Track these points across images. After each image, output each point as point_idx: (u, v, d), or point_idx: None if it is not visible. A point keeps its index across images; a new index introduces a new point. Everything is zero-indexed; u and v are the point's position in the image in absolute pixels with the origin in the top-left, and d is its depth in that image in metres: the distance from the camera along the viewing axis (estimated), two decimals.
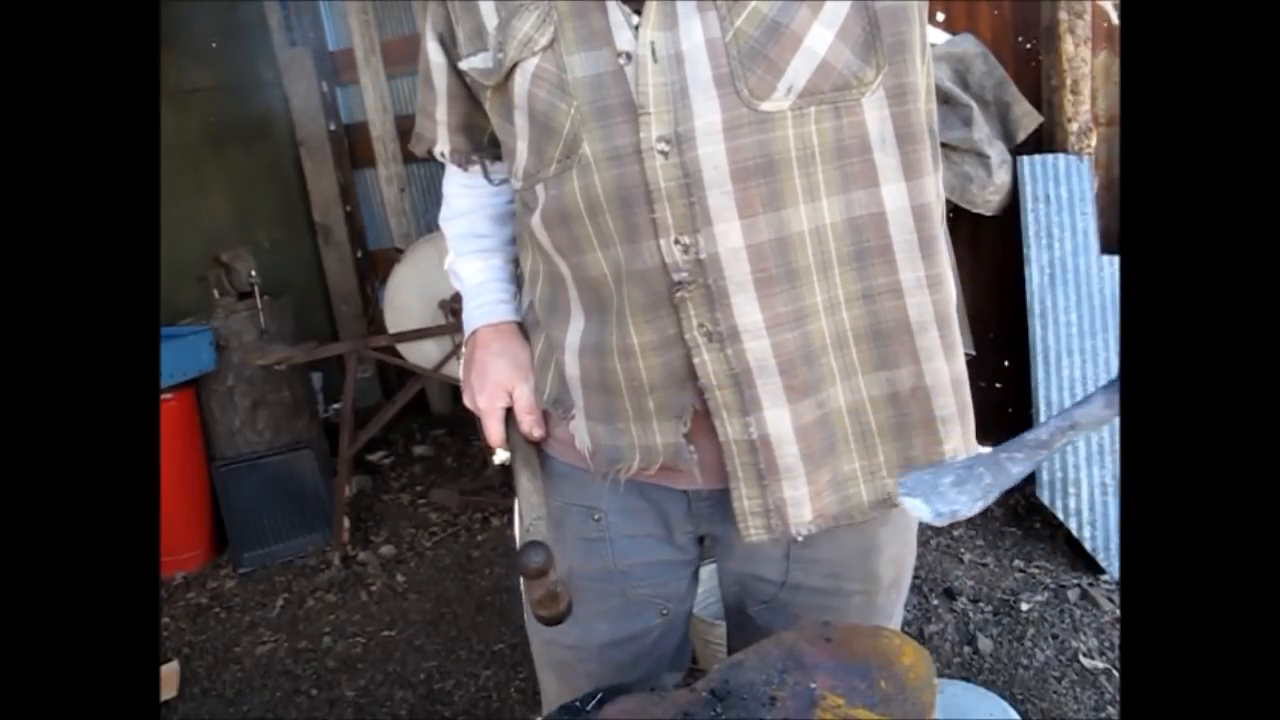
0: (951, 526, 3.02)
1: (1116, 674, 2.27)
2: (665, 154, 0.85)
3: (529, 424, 1.08)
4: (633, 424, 0.96)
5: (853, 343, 0.92)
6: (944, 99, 3.00)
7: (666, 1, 0.85)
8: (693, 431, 0.94)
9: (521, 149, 0.97)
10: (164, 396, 3.02)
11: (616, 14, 0.87)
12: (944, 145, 2.97)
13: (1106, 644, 2.38)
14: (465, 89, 1.05)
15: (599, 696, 1.00)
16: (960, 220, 3.11)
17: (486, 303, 1.15)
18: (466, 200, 1.18)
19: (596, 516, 1.06)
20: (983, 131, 2.93)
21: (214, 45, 4.20)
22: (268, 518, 3.26)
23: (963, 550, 2.88)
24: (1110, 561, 2.64)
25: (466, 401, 1.13)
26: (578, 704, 1.01)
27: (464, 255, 1.19)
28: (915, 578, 2.74)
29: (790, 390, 0.90)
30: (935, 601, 2.63)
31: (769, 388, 0.90)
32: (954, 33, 3.16)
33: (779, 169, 0.86)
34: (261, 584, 3.04)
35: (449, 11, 1.01)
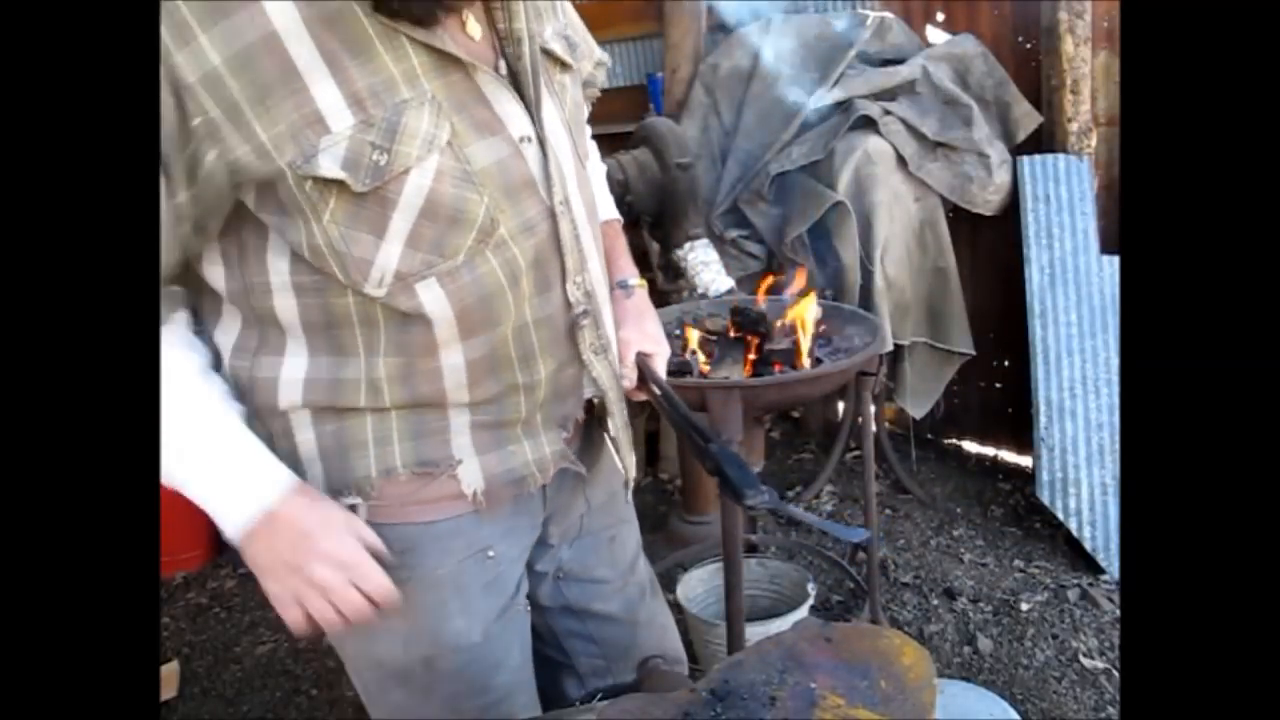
0: (952, 526, 3.02)
1: (1116, 674, 2.27)
2: (563, 213, 1.01)
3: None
4: (525, 442, 1.06)
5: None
6: (944, 99, 3.00)
7: (533, 88, 0.99)
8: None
9: (392, 252, 0.90)
10: None
11: (509, 103, 0.95)
12: (944, 145, 2.98)
13: (1106, 644, 2.38)
14: (197, 206, 0.87)
15: (599, 696, 1.00)
16: (960, 220, 3.11)
17: (257, 465, 0.95)
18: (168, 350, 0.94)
19: (491, 554, 1.07)
20: (983, 131, 2.93)
21: None
22: None
23: (963, 550, 2.88)
24: (1110, 561, 2.64)
25: (310, 599, 0.97)
26: (577, 704, 1.01)
27: (209, 413, 0.95)
28: (915, 578, 2.74)
29: (621, 378, 1.18)
30: (935, 601, 2.63)
31: (622, 380, 1.17)
32: (954, 33, 3.17)
33: (594, 211, 1.12)
34: None
35: (193, 100, 0.81)
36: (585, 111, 1.19)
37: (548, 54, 1.04)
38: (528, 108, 0.97)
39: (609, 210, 1.33)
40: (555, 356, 1.04)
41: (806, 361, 2.20)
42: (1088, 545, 2.67)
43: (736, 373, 2.14)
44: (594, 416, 1.19)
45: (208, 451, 0.93)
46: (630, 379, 1.19)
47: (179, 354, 0.95)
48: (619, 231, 1.32)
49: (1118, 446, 2.70)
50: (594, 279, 1.07)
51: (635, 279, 1.26)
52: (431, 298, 0.93)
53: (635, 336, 1.20)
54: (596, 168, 1.33)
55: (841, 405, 3.48)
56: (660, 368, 1.21)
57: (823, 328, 2.34)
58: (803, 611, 2.24)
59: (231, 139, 0.83)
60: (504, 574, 1.10)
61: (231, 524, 0.93)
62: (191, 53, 0.80)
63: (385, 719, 1.13)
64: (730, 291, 2.86)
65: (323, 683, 2.52)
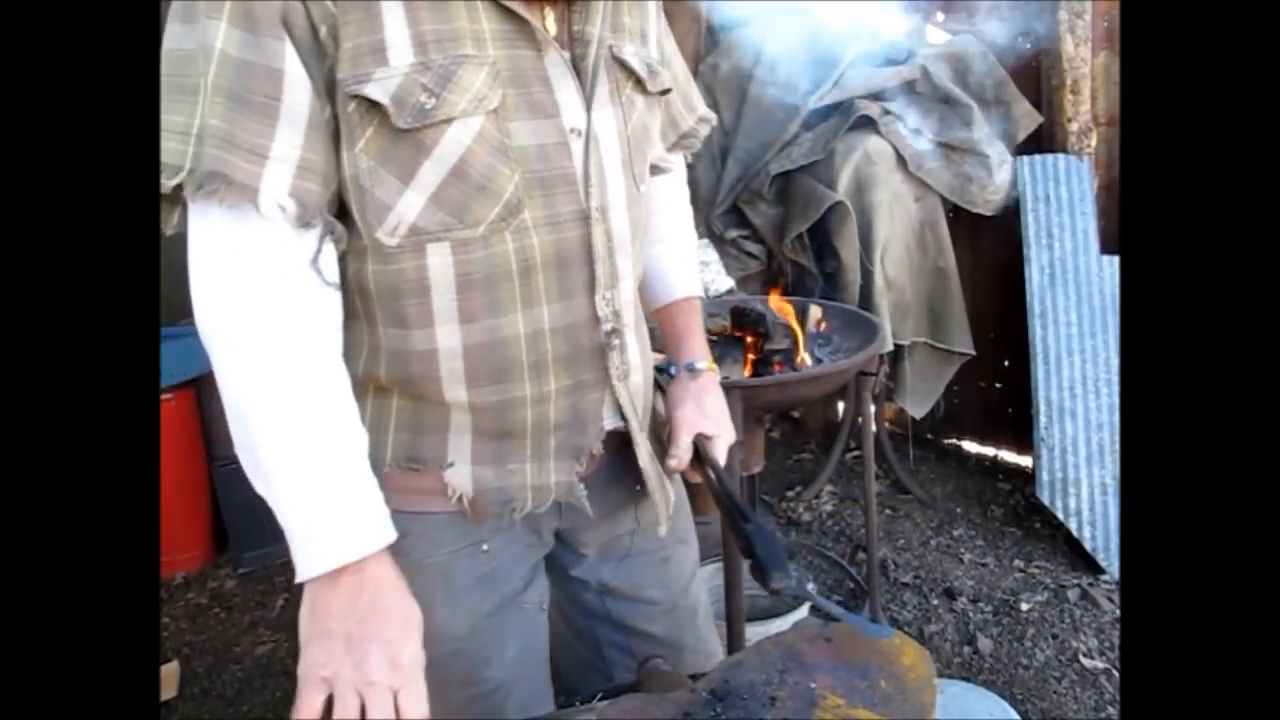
0: (952, 526, 3.02)
1: (1116, 674, 2.27)
2: (598, 221, 0.98)
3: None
4: (529, 464, 1.03)
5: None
6: (944, 99, 3.00)
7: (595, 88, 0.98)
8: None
9: (414, 202, 0.90)
10: (164, 396, 3.02)
11: (569, 91, 0.95)
12: (944, 145, 2.98)
13: (1106, 644, 2.38)
14: (329, 118, 0.87)
15: (599, 695, 1.00)
16: (960, 220, 3.11)
17: (373, 505, 0.89)
18: (291, 299, 0.86)
19: (485, 548, 1.05)
20: (983, 131, 2.93)
21: None
22: (268, 517, 3.16)
23: (963, 550, 2.88)
24: (1110, 561, 2.64)
25: (359, 675, 0.83)
26: (577, 703, 1.01)
27: (306, 412, 0.86)
28: (915, 578, 2.74)
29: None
30: (935, 601, 2.63)
31: (647, 407, 1.12)
32: (954, 33, 3.17)
33: (639, 236, 1.07)
34: (261, 584, 3.04)
35: (319, 9, 0.84)
36: (655, 142, 1.15)
37: (621, 63, 1.02)
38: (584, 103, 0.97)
39: (691, 286, 1.27)
40: (573, 374, 1.01)
41: (807, 360, 2.20)
42: (1088, 545, 2.67)
43: (736, 373, 2.14)
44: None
45: (320, 478, 0.86)
46: (682, 460, 1.13)
47: (335, 363, 0.90)
48: (696, 310, 1.27)
49: (1118, 446, 2.70)
50: (622, 298, 1.03)
51: (704, 362, 1.22)
52: (439, 263, 0.92)
53: (694, 416, 1.16)
54: (683, 227, 1.29)
55: (841, 405, 3.48)
56: (720, 452, 1.16)
57: (823, 327, 2.35)
58: (803, 611, 2.24)
59: (338, 51, 0.85)
60: (500, 570, 1.07)
61: (312, 562, 0.85)
62: None
63: None
64: (730, 291, 2.86)
65: None
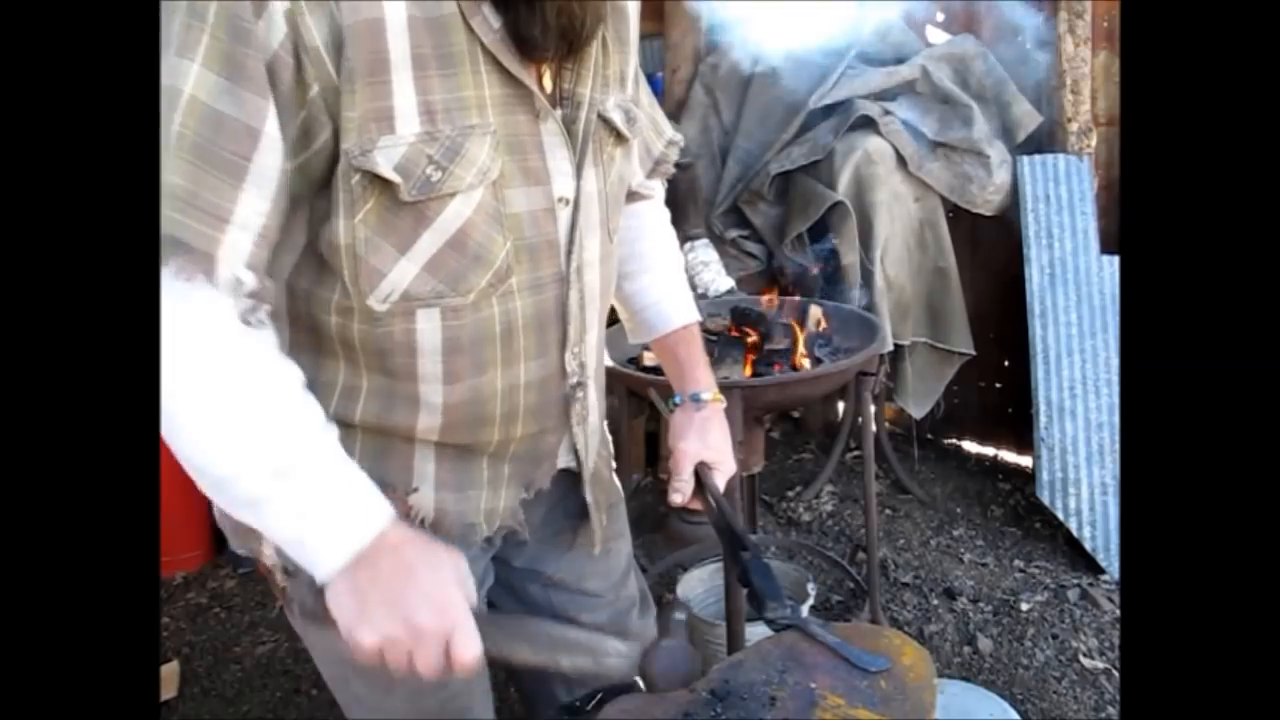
0: (952, 526, 3.02)
1: (1116, 674, 2.27)
2: (574, 281, 1.00)
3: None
4: (485, 489, 1.05)
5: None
6: (944, 99, 3.00)
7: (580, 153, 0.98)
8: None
9: (407, 270, 0.88)
10: None
11: (562, 160, 0.95)
12: (944, 145, 2.98)
13: (1106, 644, 2.38)
14: (291, 184, 0.83)
15: (599, 696, 1.01)
16: (960, 220, 3.11)
17: (365, 485, 0.87)
18: (235, 350, 0.81)
19: None
20: (983, 131, 2.93)
21: None
22: None
23: (963, 550, 2.88)
24: (1110, 561, 2.64)
25: (395, 631, 0.82)
26: (578, 704, 1.01)
27: (294, 431, 0.83)
28: (915, 578, 2.74)
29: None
30: (935, 601, 2.63)
31: (595, 441, 1.15)
32: (954, 33, 3.16)
33: (609, 288, 1.10)
34: (261, 584, 3.03)
35: (318, 71, 0.80)
36: (631, 182, 1.17)
37: (605, 122, 1.02)
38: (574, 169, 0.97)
39: (687, 313, 1.28)
40: (539, 422, 1.04)
41: (806, 362, 2.20)
42: (1088, 545, 2.67)
43: (736, 373, 2.14)
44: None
45: (310, 480, 0.83)
46: (684, 492, 1.17)
47: (282, 363, 0.85)
48: (696, 336, 1.27)
49: (1118, 446, 2.70)
50: (588, 350, 1.06)
51: (709, 392, 1.23)
52: (428, 328, 0.92)
53: (696, 448, 1.19)
54: (668, 252, 1.31)
55: (841, 405, 3.48)
56: (720, 481, 1.19)
57: (823, 327, 2.35)
58: (803, 611, 2.24)
59: (336, 112, 0.82)
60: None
61: (329, 560, 0.82)
62: (325, 13, 0.78)
63: (348, 706, 1.15)
64: (730, 291, 2.86)
65: (323, 683, 2.52)
